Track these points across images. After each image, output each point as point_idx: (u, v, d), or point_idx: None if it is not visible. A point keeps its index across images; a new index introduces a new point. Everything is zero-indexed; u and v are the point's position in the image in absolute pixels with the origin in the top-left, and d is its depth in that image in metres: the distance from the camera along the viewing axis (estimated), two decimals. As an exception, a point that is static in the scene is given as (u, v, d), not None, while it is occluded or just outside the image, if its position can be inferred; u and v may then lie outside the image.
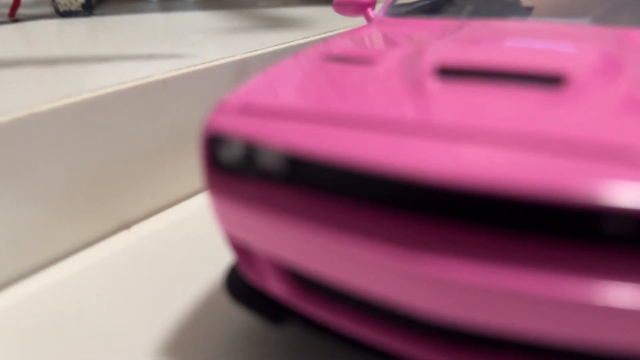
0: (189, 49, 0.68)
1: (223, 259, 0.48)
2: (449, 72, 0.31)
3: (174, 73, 0.57)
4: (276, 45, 0.70)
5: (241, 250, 0.35)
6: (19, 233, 0.47)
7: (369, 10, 0.57)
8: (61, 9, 0.97)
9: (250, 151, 0.31)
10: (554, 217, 0.24)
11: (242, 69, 0.65)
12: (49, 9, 1.11)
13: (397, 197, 0.27)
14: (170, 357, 0.37)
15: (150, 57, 0.63)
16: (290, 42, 0.73)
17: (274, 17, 0.96)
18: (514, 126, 0.25)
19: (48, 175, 0.48)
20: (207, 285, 0.45)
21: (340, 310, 0.32)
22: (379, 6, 0.58)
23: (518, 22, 0.43)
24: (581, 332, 0.23)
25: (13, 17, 1.03)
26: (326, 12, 1.01)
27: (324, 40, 0.45)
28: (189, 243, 0.52)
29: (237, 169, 0.33)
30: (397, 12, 0.51)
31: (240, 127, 0.31)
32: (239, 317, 0.40)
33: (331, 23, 0.88)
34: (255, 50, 0.67)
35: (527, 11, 0.47)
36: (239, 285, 0.37)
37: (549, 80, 0.29)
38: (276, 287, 0.34)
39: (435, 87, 0.30)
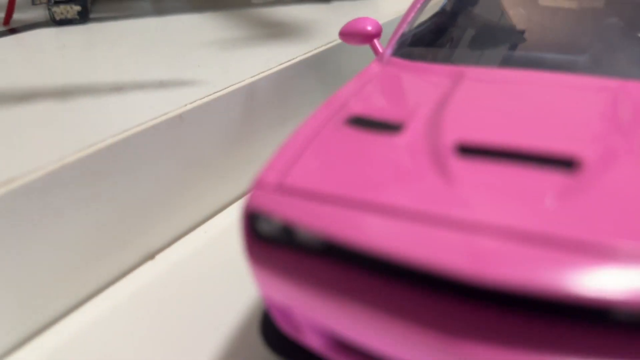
0: (197, 72, 0.69)
1: (249, 287, 0.51)
2: (469, 151, 0.34)
3: (189, 107, 0.59)
4: (281, 64, 0.72)
5: (278, 308, 0.38)
6: (54, 275, 0.50)
7: (376, 41, 0.59)
8: (57, 17, 0.97)
9: (288, 228, 0.34)
10: (570, 310, 0.27)
11: (250, 93, 0.67)
12: (43, 12, 1.10)
13: (423, 282, 0.30)
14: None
15: (161, 85, 0.65)
16: (294, 58, 0.74)
17: (271, 21, 0.97)
18: (524, 222, 0.28)
19: (77, 220, 0.51)
20: (237, 319, 0.49)
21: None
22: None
23: (519, 73, 0.45)
24: None
25: (8, 25, 1.03)
26: (321, 13, 1.02)
27: (339, 87, 0.47)
28: (213, 270, 0.55)
29: (275, 241, 0.35)
30: (403, 52, 0.53)
31: (278, 208, 0.34)
32: (272, 358, 0.43)
33: (331, 29, 0.89)
34: (262, 72, 0.69)
35: (524, 46, 0.49)
36: (275, 335, 0.40)
37: (563, 164, 0.32)
38: (312, 341, 0.37)
39: (456, 167, 0.33)
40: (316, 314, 0.34)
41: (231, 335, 0.47)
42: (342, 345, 0.36)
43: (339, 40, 0.83)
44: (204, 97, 0.61)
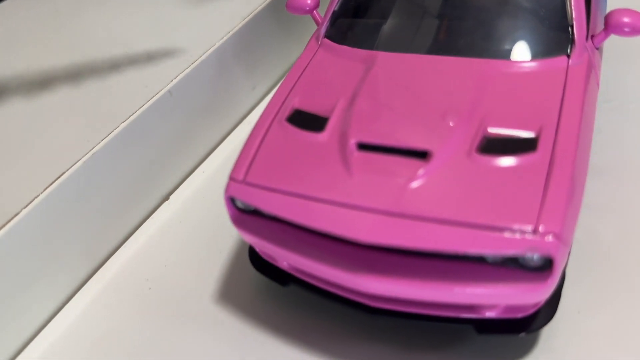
0: (173, 39, 0.84)
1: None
2: (365, 147, 0.53)
3: (174, 81, 0.76)
4: (244, 18, 0.86)
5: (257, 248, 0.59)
6: (107, 216, 0.71)
7: (315, 12, 0.73)
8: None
9: (250, 207, 0.54)
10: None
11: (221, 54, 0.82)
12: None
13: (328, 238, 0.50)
14: (217, 302, 0.63)
15: (149, 58, 0.81)
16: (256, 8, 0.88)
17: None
18: (381, 203, 0.48)
19: (115, 182, 0.70)
20: (235, 244, 0.70)
21: (318, 279, 0.57)
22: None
23: (417, 57, 0.61)
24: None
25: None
26: None
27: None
28: (214, 203, 0.75)
29: (245, 212, 0.56)
30: (332, 33, 0.68)
31: (243, 196, 0.54)
32: (259, 277, 0.65)
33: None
34: (229, 32, 0.84)
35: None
36: (259, 261, 0.62)
37: (419, 155, 0.51)
38: (281, 265, 0.59)
39: (355, 161, 0.52)
40: (275, 253, 0.55)
41: (231, 257, 0.69)
42: (296, 268, 0.58)
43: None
44: (185, 69, 0.77)
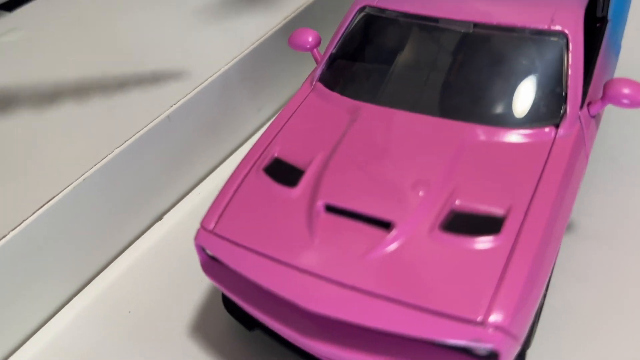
0: (178, 61, 0.85)
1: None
2: (332, 209, 0.53)
3: (174, 107, 0.77)
4: (253, 43, 0.87)
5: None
6: (98, 235, 0.73)
7: (315, 50, 0.73)
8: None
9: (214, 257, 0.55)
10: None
11: (225, 80, 0.83)
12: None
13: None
14: (189, 334, 0.65)
15: (154, 79, 0.82)
16: (265, 34, 0.88)
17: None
18: (337, 274, 0.48)
19: (109, 204, 0.72)
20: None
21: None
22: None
23: (398, 113, 0.60)
24: None
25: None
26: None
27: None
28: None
29: (216, 259, 0.57)
30: (325, 78, 0.67)
31: (210, 246, 0.55)
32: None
33: None
34: (236, 57, 0.84)
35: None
36: (230, 301, 0.63)
37: (383, 225, 0.50)
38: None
39: (320, 224, 0.52)
40: (238, 303, 0.56)
41: (210, 288, 0.70)
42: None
43: (307, 4, 0.95)
44: (186, 95, 0.78)
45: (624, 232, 0.70)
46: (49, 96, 0.82)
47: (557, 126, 0.57)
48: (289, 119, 0.64)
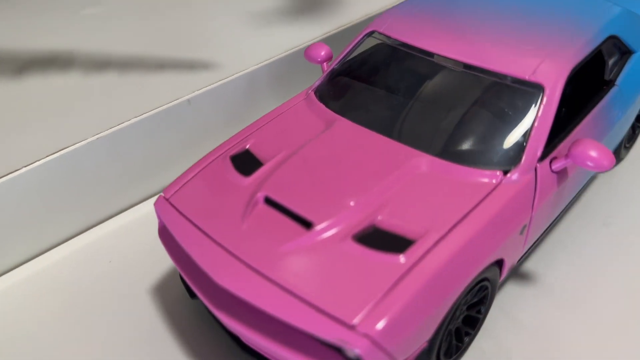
0: (213, 54, 0.93)
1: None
2: (270, 202, 0.58)
3: (196, 93, 0.85)
4: (287, 50, 0.93)
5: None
6: (109, 186, 0.83)
7: (325, 65, 0.78)
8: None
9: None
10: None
11: (252, 79, 0.90)
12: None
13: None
14: (157, 290, 0.71)
15: (191, 66, 0.91)
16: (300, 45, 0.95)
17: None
18: (251, 257, 0.53)
19: (111, 170, 0.82)
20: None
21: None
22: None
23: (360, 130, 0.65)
24: None
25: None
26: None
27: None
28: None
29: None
30: (319, 89, 0.73)
31: (162, 214, 0.61)
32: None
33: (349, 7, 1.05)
34: (266, 60, 0.91)
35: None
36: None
37: (305, 223, 0.55)
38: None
39: (255, 213, 0.57)
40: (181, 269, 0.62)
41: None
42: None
43: (357, 21, 1.01)
44: (210, 85, 0.86)
45: (576, 288, 0.69)
46: (99, 64, 0.93)
47: (505, 172, 0.58)
48: (273, 118, 0.70)
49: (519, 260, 0.66)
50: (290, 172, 0.61)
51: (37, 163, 0.74)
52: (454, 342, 0.59)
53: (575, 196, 0.75)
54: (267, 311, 0.50)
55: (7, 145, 0.77)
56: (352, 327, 0.47)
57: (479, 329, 0.64)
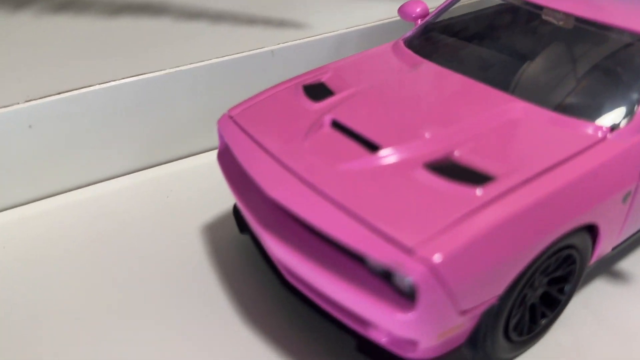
0: (307, 14, 0.91)
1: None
2: (337, 125, 0.53)
3: (280, 45, 0.83)
4: (380, 20, 0.89)
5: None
6: (181, 124, 0.81)
7: (419, 21, 0.73)
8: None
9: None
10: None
11: (338, 42, 0.87)
12: None
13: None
14: (207, 229, 0.68)
15: (281, 23, 0.89)
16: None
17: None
18: (313, 176, 0.47)
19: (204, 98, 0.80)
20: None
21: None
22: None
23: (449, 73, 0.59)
24: None
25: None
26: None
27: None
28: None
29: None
30: (409, 40, 0.68)
31: (225, 132, 0.57)
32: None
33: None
34: (356, 26, 0.88)
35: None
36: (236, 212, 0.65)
37: (372, 146, 0.49)
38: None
39: (318, 134, 0.52)
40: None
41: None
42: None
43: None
44: (295, 40, 0.84)
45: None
46: (191, 14, 0.93)
47: (613, 128, 0.50)
48: (358, 58, 0.66)
49: (622, 243, 0.56)
50: (363, 101, 0.56)
51: (113, 83, 0.73)
52: (527, 319, 0.51)
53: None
54: (315, 225, 0.45)
55: (90, 64, 0.77)
56: (409, 250, 0.41)
57: (558, 314, 0.55)
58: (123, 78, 0.73)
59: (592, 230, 0.51)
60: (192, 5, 0.96)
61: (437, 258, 0.40)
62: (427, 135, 0.50)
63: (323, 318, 0.52)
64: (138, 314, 0.58)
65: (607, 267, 0.62)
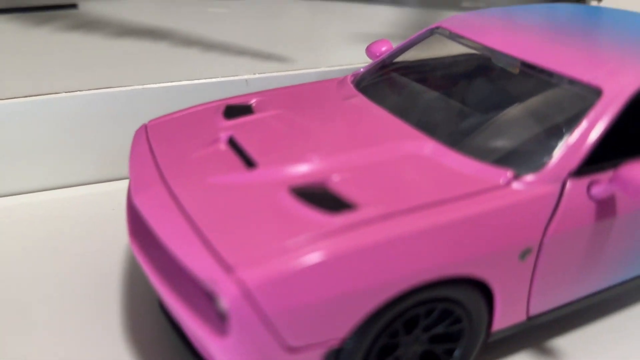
0: (297, 51, 0.91)
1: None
2: (232, 142, 0.51)
3: (255, 75, 0.82)
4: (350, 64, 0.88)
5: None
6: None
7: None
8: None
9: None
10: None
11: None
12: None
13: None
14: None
15: (269, 57, 0.89)
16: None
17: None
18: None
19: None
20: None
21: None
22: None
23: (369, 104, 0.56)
24: None
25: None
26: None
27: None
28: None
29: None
30: (358, 76, 0.65)
31: (134, 140, 0.57)
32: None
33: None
34: (333, 66, 0.87)
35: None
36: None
37: (250, 164, 0.47)
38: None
39: (214, 147, 0.50)
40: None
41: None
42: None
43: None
44: (272, 72, 0.83)
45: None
46: (187, 42, 0.96)
47: (517, 176, 0.45)
48: (300, 88, 0.64)
49: (543, 313, 0.50)
50: (271, 123, 0.54)
51: (79, 93, 0.75)
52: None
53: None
54: (156, 233, 0.43)
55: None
56: (228, 269, 0.37)
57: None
58: (89, 89, 0.76)
59: (482, 288, 0.45)
60: (192, 36, 0.99)
61: (252, 281, 0.36)
62: (314, 160, 0.47)
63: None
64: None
65: (538, 342, 0.55)
